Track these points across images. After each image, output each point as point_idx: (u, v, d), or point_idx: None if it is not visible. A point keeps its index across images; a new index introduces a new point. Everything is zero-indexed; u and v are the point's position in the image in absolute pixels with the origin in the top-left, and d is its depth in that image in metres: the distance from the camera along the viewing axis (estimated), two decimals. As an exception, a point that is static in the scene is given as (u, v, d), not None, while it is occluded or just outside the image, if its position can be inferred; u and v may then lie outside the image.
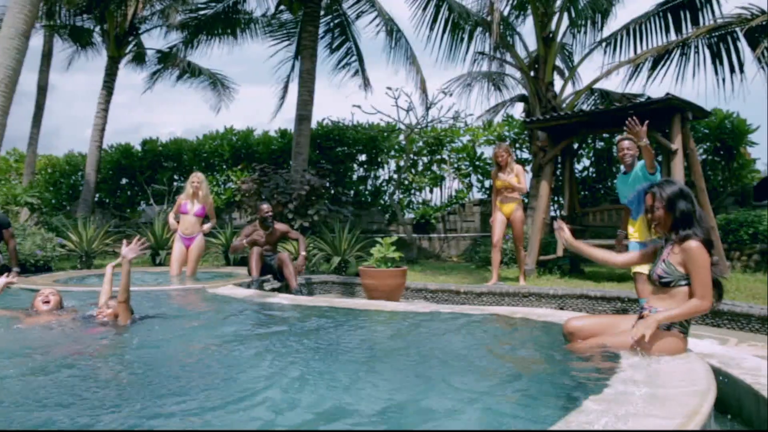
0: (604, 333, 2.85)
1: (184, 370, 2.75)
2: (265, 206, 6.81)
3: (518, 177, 6.88)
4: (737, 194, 10.40)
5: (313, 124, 13.47)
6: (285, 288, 6.59)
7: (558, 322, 3.50)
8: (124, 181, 15.82)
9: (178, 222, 7.14)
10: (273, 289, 6.40)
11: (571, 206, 8.11)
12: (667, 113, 6.70)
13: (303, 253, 6.71)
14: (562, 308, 5.92)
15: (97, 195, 15.94)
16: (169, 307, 4.71)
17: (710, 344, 3.37)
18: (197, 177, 7.20)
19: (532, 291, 6.05)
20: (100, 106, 13.48)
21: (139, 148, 15.78)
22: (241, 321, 4.12)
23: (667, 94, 6.57)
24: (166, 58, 14.85)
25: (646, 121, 4.35)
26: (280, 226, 7.01)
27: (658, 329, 2.65)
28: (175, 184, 14.73)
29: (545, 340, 3.36)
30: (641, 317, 2.79)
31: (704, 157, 10.79)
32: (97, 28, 14.09)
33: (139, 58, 15.60)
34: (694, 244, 2.67)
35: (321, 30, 12.47)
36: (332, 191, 10.67)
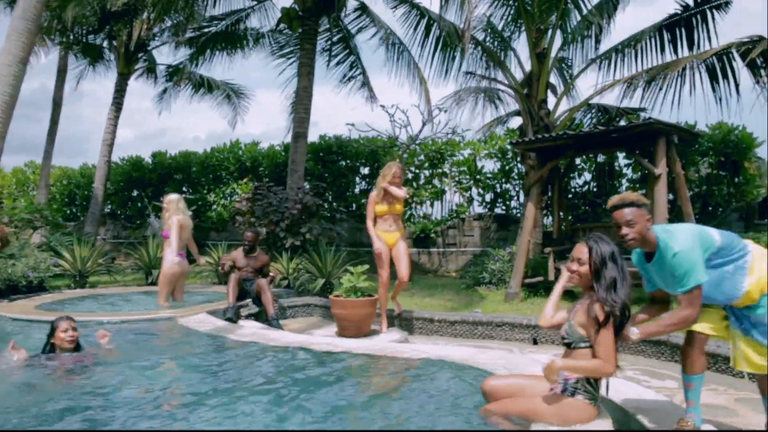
0: (519, 394, 2.80)
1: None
2: (249, 234, 6.99)
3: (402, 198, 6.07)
4: (742, 210, 10.12)
5: (316, 138, 13.61)
6: (264, 314, 6.65)
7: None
8: (135, 193, 16.20)
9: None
10: (250, 315, 6.47)
11: (560, 227, 8.00)
12: (651, 136, 6.58)
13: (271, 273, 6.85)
14: (535, 339, 5.85)
15: (109, 207, 16.36)
16: (130, 340, 4.82)
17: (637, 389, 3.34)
18: (165, 199, 6.98)
19: (505, 320, 5.99)
20: (110, 121, 13.79)
21: (149, 160, 16.14)
22: (188, 361, 4.19)
23: (650, 117, 6.45)
24: (175, 74, 15.13)
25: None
26: (262, 256, 7.13)
27: (564, 397, 2.61)
28: (183, 196, 14.99)
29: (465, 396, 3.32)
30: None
31: (708, 171, 10.55)
32: (106, 43, 14.41)
33: (150, 72, 15.95)
34: (598, 309, 2.60)
35: (324, 44, 12.58)
36: (328, 208, 10.72)
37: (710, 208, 10.34)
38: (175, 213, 6.69)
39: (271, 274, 7.24)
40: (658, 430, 2.85)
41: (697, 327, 2.93)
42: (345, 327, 5.67)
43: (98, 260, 8.76)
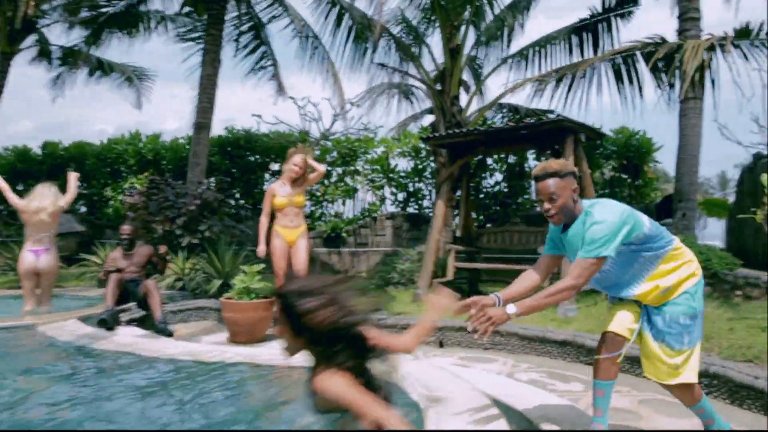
0: None
1: None
2: (125, 227, 6.35)
3: (307, 180, 5.72)
4: (641, 211, 10.50)
5: (223, 131, 12.90)
6: (150, 318, 6.01)
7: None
8: (20, 186, 14.71)
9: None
10: (132, 321, 5.81)
11: (467, 226, 7.86)
12: (559, 134, 6.55)
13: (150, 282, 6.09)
14: (441, 341, 5.62)
15: (-10, 201, 14.78)
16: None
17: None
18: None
19: (411, 323, 5.68)
20: (-11, 106, 12.38)
21: (38, 151, 14.73)
22: (40, 375, 3.57)
23: (558, 115, 6.42)
24: (69, 57, 13.85)
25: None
26: (143, 249, 6.44)
27: None
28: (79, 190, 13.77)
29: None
30: None
31: (611, 174, 10.92)
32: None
33: (43, 55, 14.51)
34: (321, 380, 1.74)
35: (233, 32, 11.92)
36: (234, 205, 10.10)
37: (613, 210, 10.70)
38: (34, 200, 6.05)
39: (161, 250, 6.50)
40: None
41: (613, 327, 2.68)
42: (236, 332, 5.19)
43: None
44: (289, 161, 5.58)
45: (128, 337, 4.71)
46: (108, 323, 5.27)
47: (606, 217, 2.50)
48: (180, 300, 6.95)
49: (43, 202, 6.09)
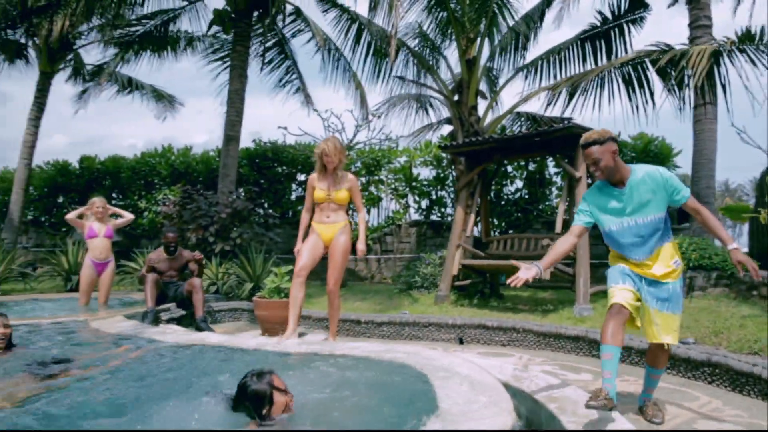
0: None
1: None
2: (170, 234, 6.71)
3: (352, 192, 5.06)
4: (662, 216, 10.62)
5: (250, 144, 13.39)
6: (190, 316, 6.43)
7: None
8: (60, 199, 15.42)
9: (80, 218, 6.95)
10: (172, 319, 6.24)
11: (487, 231, 8.14)
12: (571, 140, 6.79)
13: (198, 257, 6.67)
14: (461, 338, 5.90)
15: (32, 214, 15.50)
16: (44, 340, 4.56)
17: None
18: (101, 202, 6.96)
19: (431, 321, 6.02)
20: (30, 122, 13.08)
21: (76, 165, 15.42)
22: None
23: (569, 121, 6.66)
24: (98, 73, 14.55)
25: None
26: (185, 253, 6.86)
27: None
28: (113, 202, 14.39)
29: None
30: None
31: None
32: (27, 40, 13.70)
33: (77, 74, 15.27)
34: None
35: (258, 48, 12.42)
36: (262, 215, 10.53)
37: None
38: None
39: (197, 257, 6.82)
40: None
41: (620, 299, 3.10)
42: (268, 329, 5.55)
43: (10, 266, 8.24)
44: (318, 151, 4.99)
45: (171, 332, 5.08)
46: (150, 320, 5.73)
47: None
48: (214, 302, 7.36)
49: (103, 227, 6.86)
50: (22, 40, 13.68)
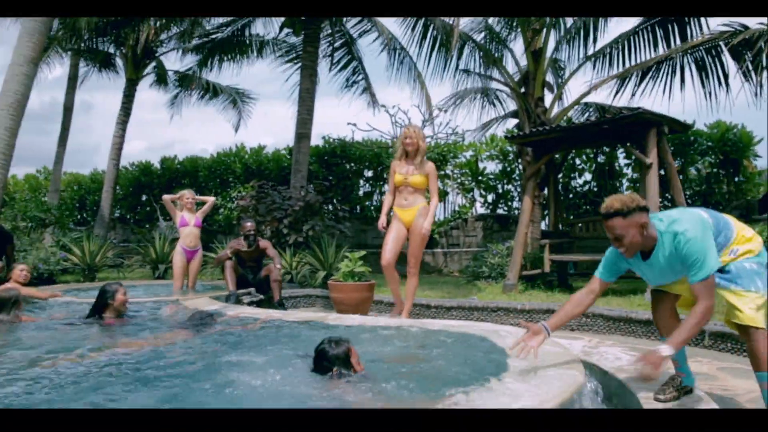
0: None
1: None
2: (248, 224, 7.02)
3: (428, 178, 5.18)
4: (741, 208, 10.19)
5: (320, 141, 13.85)
6: (267, 301, 6.81)
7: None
8: (143, 197, 16.46)
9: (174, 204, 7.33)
10: (252, 302, 6.62)
11: (556, 221, 8.13)
12: (642, 127, 6.71)
13: (278, 266, 6.91)
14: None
15: (119, 211, 16.63)
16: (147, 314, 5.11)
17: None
18: (191, 194, 7.38)
19: (500, 305, 6.12)
20: (118, 125, 14.07)
21: (158, 165, 16.43)
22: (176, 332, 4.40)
23: (639, 108, 6.58)
24: (184, 81, 15.47)
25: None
26: (262, 243, 7.23)
27: None
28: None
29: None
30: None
31: (708, 170, 10.65)
32: (116, 50, 14.75)
33: (161, 80, 16.27)
34: None
35: (327, 49, 12.85)
36: (332, 210, 10.90)
37: (710, 207, 10.44)
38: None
39: (269, 252, 7.14)
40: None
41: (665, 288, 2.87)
42: (343, 311, 5.82)
43: (106, 254, 8.97)
44: (401, 137, 5.28)
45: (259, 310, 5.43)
46: (232, 302, 6.14)
47: (695, 232, 2.53)
48: (288, 290, 7.74)
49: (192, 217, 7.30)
50: (110, 50, 14.75)
